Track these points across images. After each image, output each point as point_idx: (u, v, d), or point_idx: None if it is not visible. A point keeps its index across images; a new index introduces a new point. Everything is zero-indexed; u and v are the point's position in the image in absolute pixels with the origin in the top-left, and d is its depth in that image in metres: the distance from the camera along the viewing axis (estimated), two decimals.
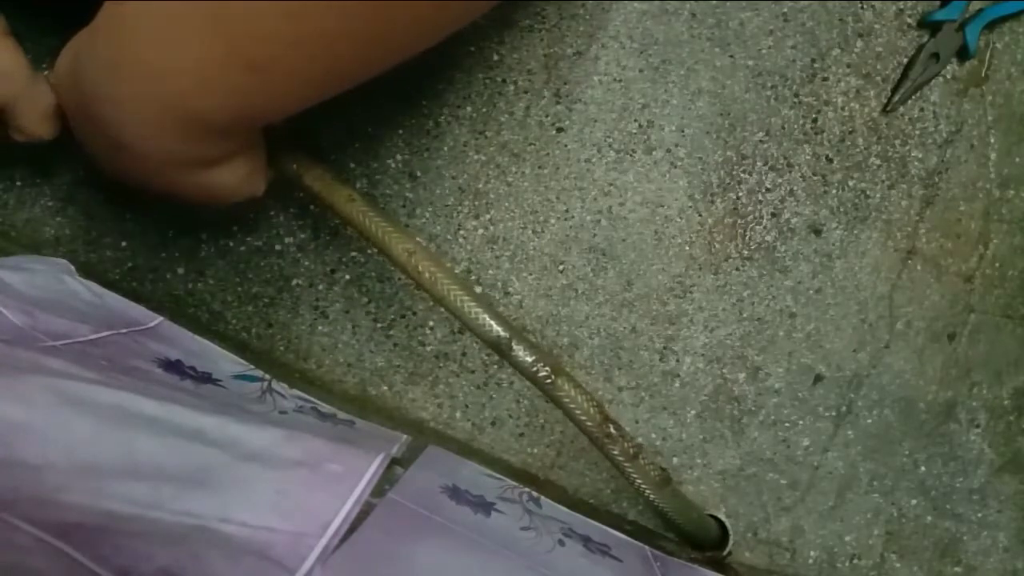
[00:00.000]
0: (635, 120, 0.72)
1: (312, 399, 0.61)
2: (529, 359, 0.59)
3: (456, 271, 0.71)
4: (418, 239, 0.65)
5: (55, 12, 0.67)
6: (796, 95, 0.73)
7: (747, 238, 0.74)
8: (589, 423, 0.61)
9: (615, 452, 0.62)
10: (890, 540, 0.76)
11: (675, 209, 0.73)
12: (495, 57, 0.71)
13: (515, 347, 0.59)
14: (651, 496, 0.64)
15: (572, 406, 0.61)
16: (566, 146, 0.72)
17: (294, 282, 0.70)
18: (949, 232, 0.75)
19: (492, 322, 0.59)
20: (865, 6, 0.73)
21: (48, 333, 0.47)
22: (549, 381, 0.60)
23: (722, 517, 0.72)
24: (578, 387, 0.62)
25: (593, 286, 0.72)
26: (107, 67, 0.44)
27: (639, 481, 0.63)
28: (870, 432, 0.75)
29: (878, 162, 0.74)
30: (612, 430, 0.61)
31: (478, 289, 0.71)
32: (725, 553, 0.71)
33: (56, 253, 0.65)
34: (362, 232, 0.60)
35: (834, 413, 0.75)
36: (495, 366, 0.71)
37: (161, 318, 0.60)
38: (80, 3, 0.67)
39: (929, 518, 0.76)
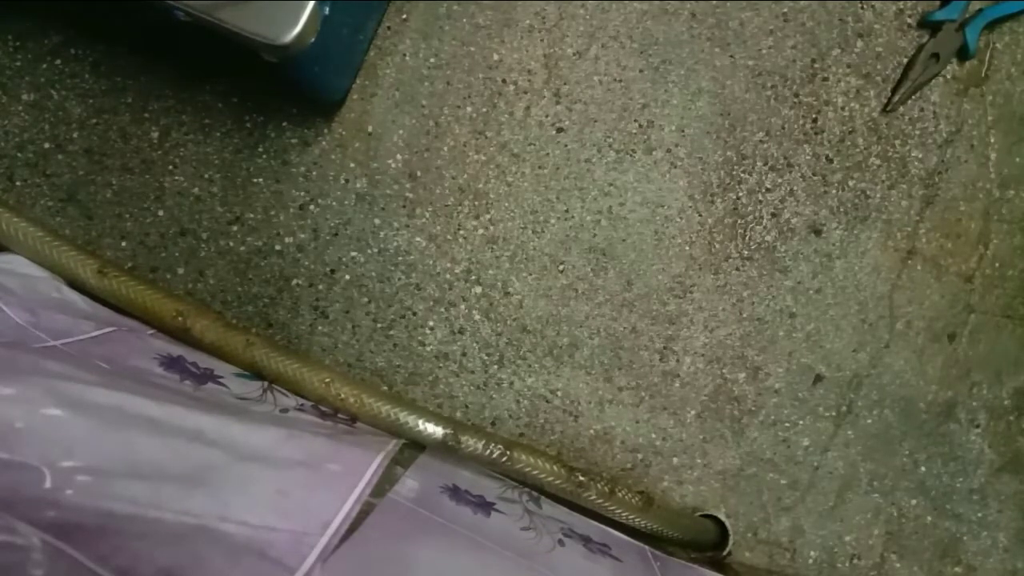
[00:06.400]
0: (635, 120, 0.72)
1: None
2: (480, 445, 0.60)
3: (456, 271, 0.71)
4: (333, 368, 0.64)
5: (55, 11, 0.67)
6: (796, 95, 0.73)
7: (747, 238, 0.74)
8: (558, 481, 0.63)
9: (592, 497, 0.63)
10: (890, 540, 0.76)
11: (675, 209, 0.73)
12: (495, 57, 0.71)
13: (463, 439, 0.60)
14: (639, 522, 0.65)
15: (536, 472, 0.62)
16: (566, 146, 0.72)
17: (294, 282, 0.70)
18: (949, 232, 0.75)
19: (432, 425, 0.60)
20: (865, 6, 0.73)
21: (50, 331, 0.47)
22: (506, 458, 0.61)
23: (722, 517, 0.72)
24: (535, 453, 0.63)
25: (593, 286, 0.72)
26: None
27: (623, 513, 0.64)
28: (870, 432, 0.75)
29: (878, 162, 0.74)
30: (581, 478, 0.63)
31: (478, 289, 0.71)
32: (725, 553, 0.71)
33: None
34: (269, 375, 0.59)
35: (834, 413, 0.75)
36: (495, 366, 0.71)
37: None
38: (80, 3, 0.67)
39: (929, 518, 0.76)
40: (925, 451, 0.76)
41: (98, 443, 0.38)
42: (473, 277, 0.71)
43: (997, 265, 0.76)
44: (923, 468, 0.76)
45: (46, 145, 0.67)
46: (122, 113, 0.68)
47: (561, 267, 0.72)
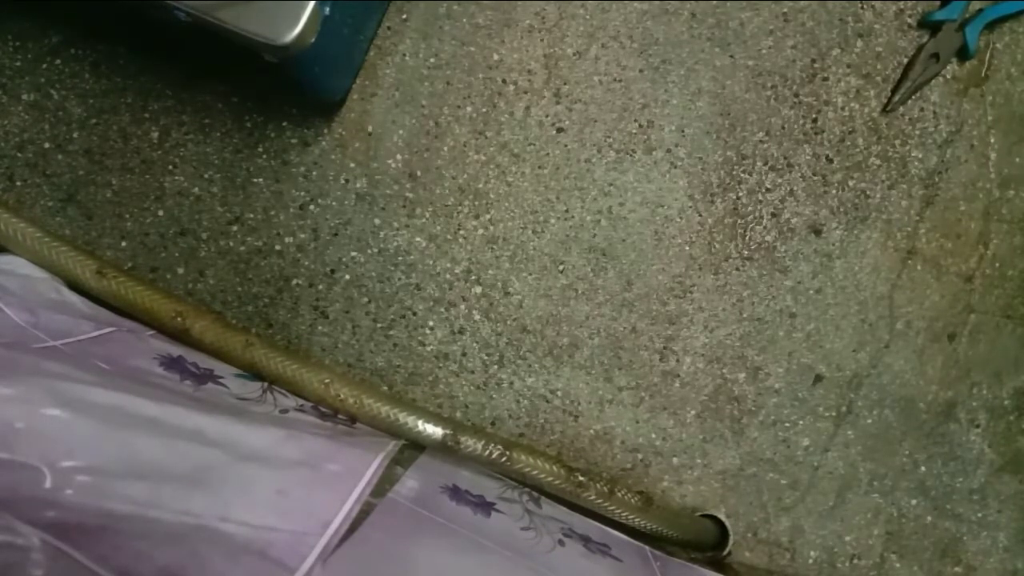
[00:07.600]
0: (635, 120, 0.72)
1: None
2: (479, 446, 0.61)
3: (456, 271, 0.71)
4: (333, 368, 0.64)
5: (55, 11, 0.67)
6: (796, 95, 0.73)
7: (747, 238, 0.74)
8: (557, 481, 0.63)
9: (591, 497, 0.64)
10: (890, 540, 0.76)
11: (675, 209, 0.73)
12: (495, 57, 0.71)
13: (462, 439, 0.60)
14: (639, 522, 0.65)
15: (535, 472, 0.62)
16: (566, 146, 0.72)
17: (294, 282, 0.70)
18: (949, 232, 0.75)
19: (431, 426, 0.60)
20: (865, 6, 0.73)
21: (50, 332, 0.47)
22: (505, 458, 0.61)
23: (722, 517, 0.72)
24: (534, 453, 0.63)
25: (593, 286, 0.72)
26: None
27: (622, 513, 0.64)
28: (870, 432, 0.75)
29: (878, 162, 0.74)
30: (581, 478, 0.63)
31: (478, 289, 0.71)
32: (725, 553, 0.71)
33: None
34: (268, 376, 0.59)
35: (834, 413, 0.75)
36: (495, 366, 0.71)
37: None
38: (80, 3, 0.67)
39: (929, 518, 0.76)
40: (925, 451, 0.76)
41: (98, 443, 0.38)
42: (473, 277, 0.71)
43: (997, 265, 0.76)
44: (923, 468, 0.76)
45: (46, 145, 0.67)
46: (122, 113, 0.68)
47: (561, 267, 0.72)
